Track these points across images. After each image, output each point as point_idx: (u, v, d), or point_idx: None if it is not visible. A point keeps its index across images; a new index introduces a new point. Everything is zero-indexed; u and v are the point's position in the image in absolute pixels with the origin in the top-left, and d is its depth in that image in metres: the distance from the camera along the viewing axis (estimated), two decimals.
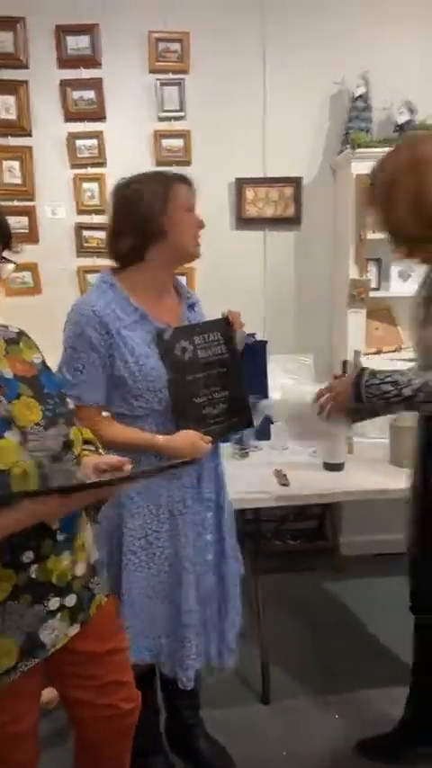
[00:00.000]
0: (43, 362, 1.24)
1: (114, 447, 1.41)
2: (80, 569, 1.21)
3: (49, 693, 1.58)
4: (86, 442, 1.29)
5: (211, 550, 1.62)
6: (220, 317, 1.63)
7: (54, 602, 1.15)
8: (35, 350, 1.25)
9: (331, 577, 2.84)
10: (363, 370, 1.51)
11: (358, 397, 1.49)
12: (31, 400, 1.14)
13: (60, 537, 1.14)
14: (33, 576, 1.11)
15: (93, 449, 1.29)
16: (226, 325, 1.60)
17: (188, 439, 1.47)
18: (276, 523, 2.59)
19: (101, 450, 1.30)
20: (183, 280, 2.72)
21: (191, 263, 1.62)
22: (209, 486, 1.60)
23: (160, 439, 1.48)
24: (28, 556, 1.10)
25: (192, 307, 1.65)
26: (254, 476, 2.05)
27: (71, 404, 1.25)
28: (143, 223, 1.47)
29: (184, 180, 1.54)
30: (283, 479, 2.00)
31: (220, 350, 1.57)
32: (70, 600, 1.19)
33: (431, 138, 1.51)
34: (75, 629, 1.21)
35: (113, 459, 1.19)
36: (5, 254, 1.12)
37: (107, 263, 2.90)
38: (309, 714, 2.04)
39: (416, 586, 1.69)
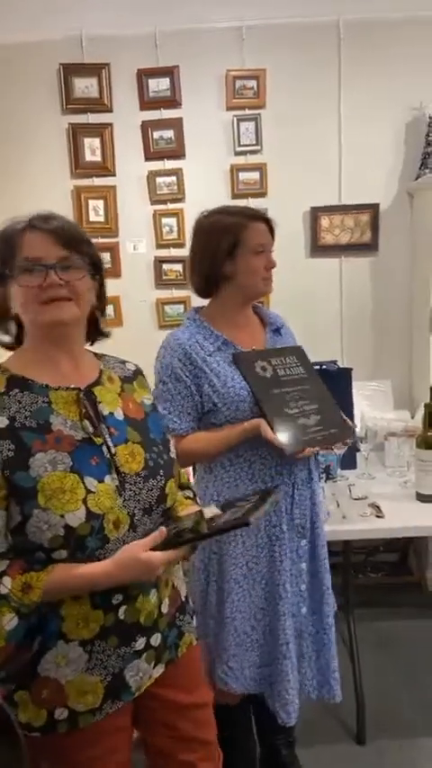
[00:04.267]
0: (153, 405, 1.24)
1: (199, 454, 1.51)
2: (165, 606, 1.18)
3: None
4: (184, 487, 1.29)
5: (304, 580, 1.61)
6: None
7: (140, 643, 1.12)
8: (147, 390, 1.25)
9: (419, 614, 2.74)
10: None
11: None
12: (137, 447, 1.13)
13: None
14: (122, 617, 1.09)
15: (191, 495, 1.29)
16: (300, 351, 1.66)
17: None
18: (364, 555, 2.53)
19: (198, 499, 1.31)
20: None
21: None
22: (302, 514, 1.59)
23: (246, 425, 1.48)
24: (117, 598, 1.08)
25: (277, 331, 1.69)
26: (345, 506, 2.02)
27: (173, 452, 1.23)
28: (210, 267, 1.58)
29: (261, 218, 1.56)
30: (377, 511, 1.96)
31: (298, 371, 1.60)
32: (155, 639, 1.15)
33: None
34: (159, 670, 1.17)
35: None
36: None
37: (184, 294, 3.01)
38: (406, 756, 1.96)
39: None
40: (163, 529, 1.03)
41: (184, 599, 1.26)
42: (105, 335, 1.23)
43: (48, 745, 1.09)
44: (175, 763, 1.24)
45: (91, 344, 1.24)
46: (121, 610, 1.08)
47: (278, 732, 1.80)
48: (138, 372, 1.27)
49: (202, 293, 1.64)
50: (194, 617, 1.31)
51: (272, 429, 1.44)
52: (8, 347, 1.16)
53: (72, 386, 1.10)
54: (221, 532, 1.11)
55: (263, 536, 1.55)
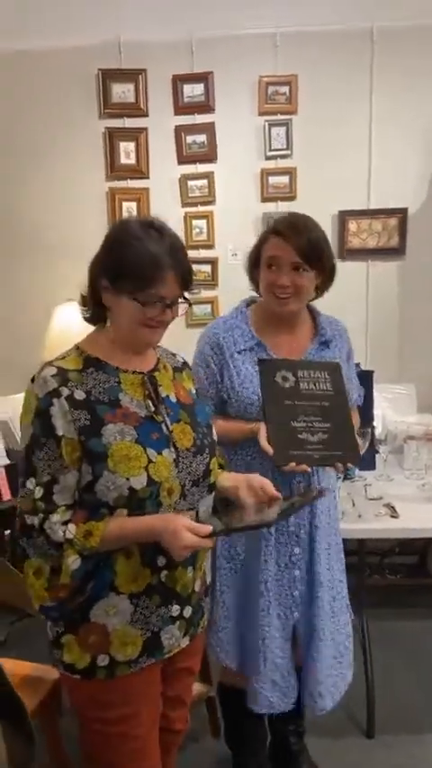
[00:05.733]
0: (197, 393, 1.37)
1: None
2: (198, 586, 1.30)
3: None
4: (222, 467, 1.41)
5: (298, 587, 1.61)
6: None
7: (175, 609, 1.25)
8: (192, 381, 1.38)
9: None
10: None
11: None
12: (187, 426, 1.26)
13: None
14: (163, 579, 1.21)
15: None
16: (336, 369, 1.60)
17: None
18: (380, 557, 2.57)
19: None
20: None
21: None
22: (297, 523, 1.58)
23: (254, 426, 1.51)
24: (161, 560, 1.20)
25: (326, 344, 1.66)
26: (361, 505, 2.06)
27: (215, 435, 1.35)
28: (248, 272, 1.64)
29: (278, 233, 1.53)
30: (392, 511, 2.01)
31: (324, 386, 1.57)
32: (187, 611, 1.27)
33: None
34: (186, 642, 1.29)
35: (266, 483, 1.28)
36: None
37: (213, 294, 3.07)
38: (413, 752, 2.00)
39: None
40: (209, 527, 1.13)
41: (208, 582, 1.38)
42: None
43: (85, 688, 1.23)
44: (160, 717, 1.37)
45: None
46: (163, 573, 1.21)
47: (288, 722, 1.86)
48: (185, 364, 1.41)
49: (256, 291, 1.68)
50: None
51: (269, 437, 1.46)
52: (90, 322, 1.29)
53: (138, 370, 1.25)
54: (245, 529, 1.24)
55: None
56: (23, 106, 2.96)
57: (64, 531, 1.12)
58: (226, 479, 1.32)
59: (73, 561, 1.12)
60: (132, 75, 2.89)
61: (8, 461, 2.46)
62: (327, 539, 1.65)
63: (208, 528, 1.12)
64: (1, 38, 2.79)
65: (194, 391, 1.37)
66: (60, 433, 1.13)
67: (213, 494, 1.31)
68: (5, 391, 2.51)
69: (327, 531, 1.65)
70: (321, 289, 1.62)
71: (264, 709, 1.64)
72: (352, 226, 2.99)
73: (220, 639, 1.65)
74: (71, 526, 1.13)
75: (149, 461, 1.16)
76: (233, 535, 1.37)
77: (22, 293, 3.07)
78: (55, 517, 1.13)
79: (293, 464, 1.45)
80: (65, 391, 1.14)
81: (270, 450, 1.45)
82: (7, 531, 2.49)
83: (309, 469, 1.50)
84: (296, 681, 1.65)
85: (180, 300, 1.21)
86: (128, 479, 1.14)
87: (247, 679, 1.66)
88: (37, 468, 1.14)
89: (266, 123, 2.90)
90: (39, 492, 1.14)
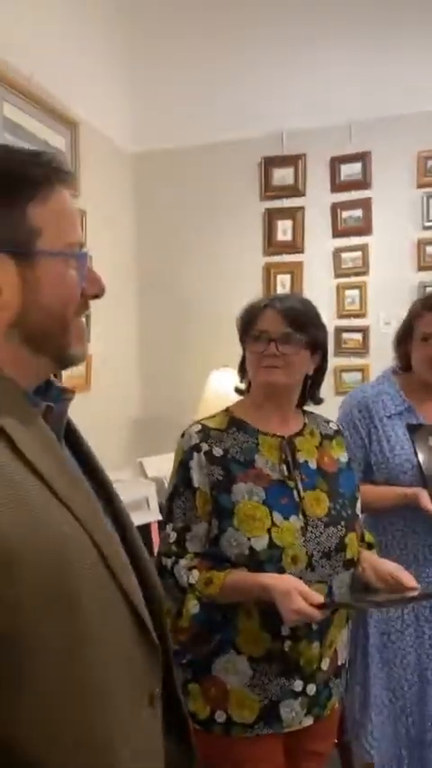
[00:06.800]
0: (348, 463, 1.37)
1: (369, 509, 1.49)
2: (325, 664, 1.25)
3: None
4: (370, 546, 1.37)
5: None
6: None
7: (298, 684, 1.21)
8: (343, 450, 1.39)
9: None
10: None
11: None
12: (323, 495, 1.27)
13: (314, 626, 1.19)
14: (286, 650, 1.19)
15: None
16: None
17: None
18: None
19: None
20: None
21: None
22: None
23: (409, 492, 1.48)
24: (285, 629, 1.18)
25: None
26: None
27: (359, 509, 1.33)
28: (397, 345, 1.67)
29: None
30: None
31: None
32: (311, 689, 1.23)
33: None
34: (308, 721, 1.24)
35: (396, 571, 1.23)
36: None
37: (363, 362, 3.06)
38: None
39: None
40: (320, 597, 1.12)
41: (340, 663, 1.32)
42: (317, 402, 1.40)
43: (205, 739, 1.22)
44: None
45: (300, 407, 1.40)
46: (287, 644, 1.20)
47: None
48: (338, 432, 1.42)
49: (401, 363, 1.70)
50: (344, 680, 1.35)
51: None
52: (240, 392, 1.41)
53: (278, 434, 1.29)
54: (368, 607, 1.26)
55: (409, 612, 1.52)
56: (191, 193, 3.28)
57: (188, 576, 1.18)
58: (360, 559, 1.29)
59: (193, 606, 1.17)
60: (293, 160, 3.09)
61: (160, 517, 2.60)
62: None
63: (319, 597, 1.10)
64: (178, 136, 3.16)
65: (345, 460, 1.36)
66: (196, 485, 1.22)
67: (352, 571, 1.27)
68: (163, 450, 2.68)
69: None
70: None
71: None
72: None
73: (370, 734, 1.55)
74: (194, 572, 1.18)
75: (273, 524, 1.18)
76: (353, 612, 1.32)
77: (184, 358, 3.31)
78: (183, 562, 1.20)
79: None
80: (204, 447, 1.23)
81: None
82: None
83: None
84: None
85: (297, 337, 1.24)
86: (249, 539, 1.17)
87: None
88: (175, 514, 1.24)
89: (425, 195, 2.91)
90: (173, 536, 1.23)
